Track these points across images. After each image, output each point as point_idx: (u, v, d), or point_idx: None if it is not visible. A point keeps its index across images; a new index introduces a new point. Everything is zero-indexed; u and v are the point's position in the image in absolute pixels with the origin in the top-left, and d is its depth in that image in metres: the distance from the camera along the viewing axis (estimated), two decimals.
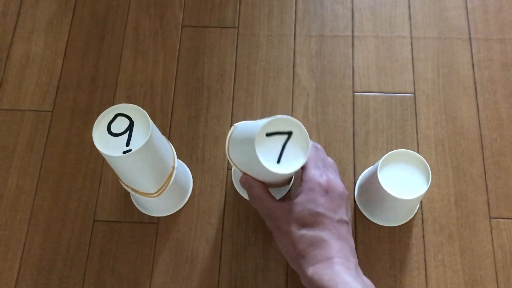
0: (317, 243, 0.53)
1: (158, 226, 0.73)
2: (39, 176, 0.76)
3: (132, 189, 0.64)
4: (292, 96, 0.79)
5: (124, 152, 0.55)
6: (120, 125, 0.57)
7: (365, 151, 0.75)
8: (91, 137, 0.78)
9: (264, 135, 0.54)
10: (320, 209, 0.54)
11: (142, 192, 0.64)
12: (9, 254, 0.72)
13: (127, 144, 0.56)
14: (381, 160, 0.63)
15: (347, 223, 0.56)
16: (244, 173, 0.60)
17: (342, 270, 0.51)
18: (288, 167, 0.53)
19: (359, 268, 0.55)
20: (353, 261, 0.54)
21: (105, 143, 0.56)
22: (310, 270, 0.52)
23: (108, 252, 0.72)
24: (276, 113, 0.78)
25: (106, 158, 0.57)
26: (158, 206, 0.71)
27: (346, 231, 0.56)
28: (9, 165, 0.77)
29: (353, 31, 0.83)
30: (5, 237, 0.73)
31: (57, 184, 0.76)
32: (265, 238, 0.71)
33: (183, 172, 0.73)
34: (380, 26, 0.83)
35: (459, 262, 0.69)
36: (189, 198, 0.74)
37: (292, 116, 0.77)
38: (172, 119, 0.79)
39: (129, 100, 0.80)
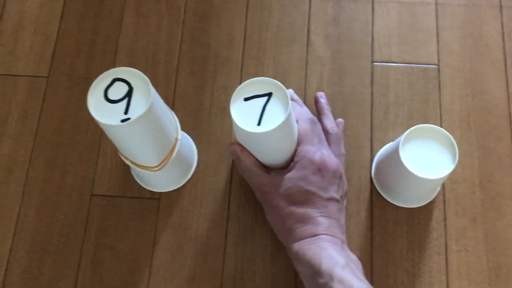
0: (305, 219, 0.55)
1: (160, 202, 0.68)
2: (33, 147, 0.71)
3: (132, 162, 0.59)
4: (306, 65, 0.73)
5: (122, 121, 0.50)
6: (118, 91, 0.52)
7: (384, 126, 0.70)
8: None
9: (242, 100, 0.54)
10: (310, 187, 0.55)
11: (142, 165, 0.58)
12: (0, 230, 0.68)
13: (126, 112, 0.51)
14: (403, 135, 0.58)
15: (337, 200, 0.57)
16: (235, 143, 0.59)
17: (327, 246, 0.52)
18: (268, 126, 0.51)
19: (345, 245, 0.56)
20: (341, 237, 0.55)
21: (102, 111, 0.51)
22: (296, 246, 0.54)
23: (106, 229, 0.67)
24: (288, 84, 0.72)
25: (103, 127, 0.52)
26: (160, 181, 0.66)
27: (336, 209, 0.56)
28: (1, 134, 0.72)
29: None
30: None
31: (52, 155, 0.71)
32: None
33: (187, 144, 0.68)
34: None
35: (482, 248, 0.64)
36: (193, 173, 0.69)
37: (305, 87, 0.72)
38: (176, 88, 0.73)
39: (130, 66, 0.74)
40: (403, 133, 0.59)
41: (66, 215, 0.68)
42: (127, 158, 0.58)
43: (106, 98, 0.52)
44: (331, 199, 0.56)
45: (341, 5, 0.76)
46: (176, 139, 0.60)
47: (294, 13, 0.76)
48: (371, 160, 0.69)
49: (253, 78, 0.55)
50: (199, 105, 0.72)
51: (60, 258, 0.66)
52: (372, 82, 0.72)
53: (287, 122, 0.52)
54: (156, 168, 0.59)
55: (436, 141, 0.58)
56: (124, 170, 0.69)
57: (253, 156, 0.59)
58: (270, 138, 0.54)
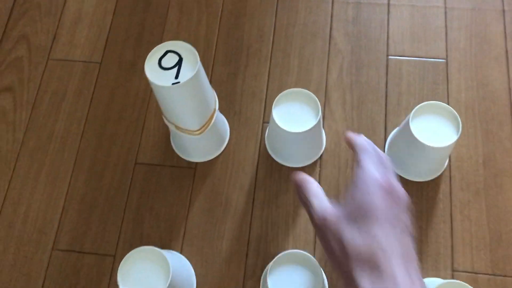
0: (369, 242, 0.39)
1: (196, 171, 0.77)
2: (86, 121, 0.81)
3: (176, 127, 0.68)
4: (328, 58, 0.82)
5: (173, 84, 0.60)
6: (170, 60, 0.62)
7: (396, 112, 0.78)
8: (136, 88, 0.83)
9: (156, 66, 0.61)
10: (379, 214, 0.40)
11: (185, 129, 0.67)
12: (55, 190, 0.77)
13: (176, 77, 0.60)
14: (413, 111, 0.66)
15: (408, 232, 0.42)
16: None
17: None
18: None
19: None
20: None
21: (156, 76, 0.60)
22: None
23: (147, 193, 0.76)
24: (311, 73, 0.81)
25: (156, 90, 0.62)
26: (197, 151, 0.75)
27: (406, 236, 0.41)
28: (59, 110, 0.82)
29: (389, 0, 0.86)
30: (52, 176, 0.78)
31: (102, 129, 0.80)
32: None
33: (221, 121, 0.77)
34: None
35: (484, 218, 0.71)
36: (225, 147, 0.78)
37: (327, 76, 0.81)
38: (212, 74, 0.83)
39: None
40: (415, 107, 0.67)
41: (112, 180, 0.77)
42: (172, 123, 0.68)
43: (160, 66, 0.61)
44: (400, 225, 0.41)
45: (360, 6, 0.85)
46: (215, 109, 0.69)
47: (318, 12, 0.86)
48: (385, 141, 0.77)
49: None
50: (232, 90, 0.81)
51: (106, 217, 0.75)
52: (387, 73, 0.81)
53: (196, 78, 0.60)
54: (197, 132, 0.68)
55: (442, 116, 0.66)
56: (165, 143, 0.79)
57: (317, 185, 0.46)
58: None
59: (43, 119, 0.81)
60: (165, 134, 0.79)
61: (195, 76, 0.60)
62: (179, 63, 0.61)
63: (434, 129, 0.66)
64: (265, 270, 0.66)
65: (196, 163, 0.77)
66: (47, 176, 0.78)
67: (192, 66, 0.61)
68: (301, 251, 0.61)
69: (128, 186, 0.76)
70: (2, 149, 0.80)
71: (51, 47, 0.87)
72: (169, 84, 0.60)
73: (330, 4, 0.86)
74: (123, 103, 0.82)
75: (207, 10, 0.87)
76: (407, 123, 0.66)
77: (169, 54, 0.62)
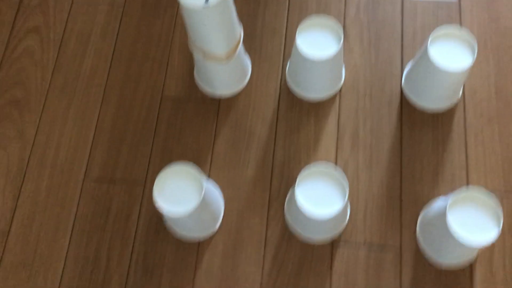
0: None
1: (220, 105, 0.80)
2: (112, 59, 0.84)
3: (204, 54, 0.70)
4: None
5: (204, 6, 0.62)
6: None
7: (412, 46, 0.81)
8: (159, 27, 0.86)
9: None
10: None
11: (213, 55, 0.70)
12: (85, 124, 0.80)
13: (206, 1, 0.63)
14: (431, 35, 0.69)
15: None
16: None
17: None
18: None
19: None
20: None
21: (188, 1, 0.63)
22: None
23: (174, 125, 0.79)
24: (329, 12, 0.84)
25: (186, 15, 0.64)
26: (221, 82, 0.78)
27: None
28: (85, 50, 0.85)
29: None
30: (81, 110, 0.81)
31: (128, 66, 0.83)
32: (316, 119, 0.78)
33: (242, 55, 0.80)
34: None
35: (497, 143, 0.74)
36: (248, 82, 0.81)
37: (344, 14, 0.83)
38: None
39: None
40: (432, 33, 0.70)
41: (140, 114, 0.80)
42: (200, 49, 0.70)
43: None
44: None
45: None
46: (240, 37, 0.72)
47: None
48: (401, 75, 0.80)
49: None
50: (252, 29, 0.84)
51: (135, 148, 0.78)
52: (402, 11, 0.83)
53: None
54: (224, 58, 0.71)
55: (457, 42, 0.69)
56: (189, 79, 0.82)
57: None
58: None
59: (70, 58, 0.84)
60: (189, 70, 0.82)
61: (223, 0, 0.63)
62: None
63: (451, 55, 0.69)
64: (292, 188, 0.70)
65: (220, 97, 0.80)
66: (76, 111, 0.81)
67: None
68: (327, 165, 0.65)
69: (155, 119, 0.80)
70: (31, 87, 0.83)
71: None
72: (200, 6, 0.62)
73: None
74: (148, 42, 0.85)
75: None
76: (425, 50, 0.69)
77: None
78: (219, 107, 0.80)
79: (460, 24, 0.82)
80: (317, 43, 0.71)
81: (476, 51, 0.68)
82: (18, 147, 0.79)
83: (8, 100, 0.82)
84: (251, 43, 0.83)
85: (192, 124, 0.79)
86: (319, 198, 0.64)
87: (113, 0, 0.88)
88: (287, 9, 0.85)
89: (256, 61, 0.82)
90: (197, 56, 0.72)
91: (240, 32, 0.72)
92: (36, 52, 0.85)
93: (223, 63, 0.71)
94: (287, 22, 0.84)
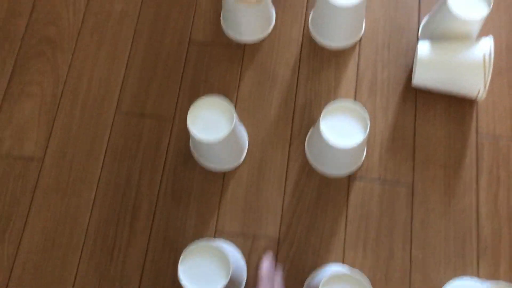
0: None
1: (245, 50, 0.84)
2: (141, 2, 0.87)
3: None
4: None
5: None
6: None
7: (430, 2, 0.85)
8: None
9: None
10: None
11: None
12: (115, 62, 0.84)
13: None
14: None
15: None
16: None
17: None
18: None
19: None
20: None
21: None
22: None
23: (201, 67, 0.83)
24: None
25: None
26: (247, 28, 0.82)
27: None
28: None
29: None
30: (112, 49, 0.85)
31: (156, 10, 0.87)
32: (337, 66, 0.82)
33: (269, 1, 0.84)
34: None
35: (506, 93, 0.80)
36: (272, 29, 0.85)
37: None
38: None
39: None
40: None
41: (169, 55, 0.84)
42: None
43: None
44: None
45: None
46: None
47: None
48: (418, 25, 0.84)
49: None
50: None
51: (164, 85, 0.82)
52: None
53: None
54: (255, 0, 0.75)
55: None
56: (216, 24, 0.85)
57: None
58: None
59: (101, 1, 0.88)
60: (216, 16, 0.86)
61: None
62: None
63: (468, 5, 0.73)
64: (314, 126, 0.74)
65: (245, 44, 0.84)
66: (107, 49, 0.85)
67: None
68: (351, 101, 0.69)
69: (184, 61, 0.84)
70: (64, 26, 0.86)
71: None
72: None
73: None
74: None
75: None
76: (444, 1, 0.73)
77: None
78: (244, 52, 0.84)
79: None
80: None
81: (492, 1, 0.72)
82: (52, 81, 0.83)
83: (41, 38, 0.86)
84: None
85: (218, 67, 0.83)
86: (342, 130, 0.69)
87: None
88: None
89: (280, 9, 0.86)
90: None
91: None
92: None
93: (253, 6, 0.75)
94: None
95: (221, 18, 0.85)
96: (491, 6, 0.72)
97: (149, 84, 0.82)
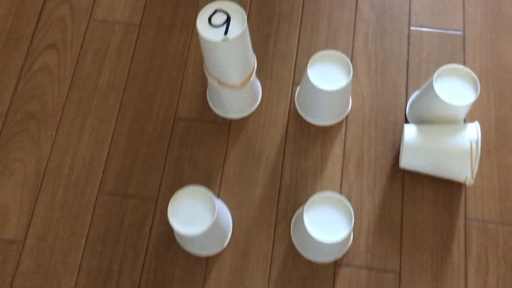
0: None
1: (231, 126, 0.83)
2: (127, 77, 0.87)
3: (219, 82, 0.74)
4: (354, 26, 0.89)
5: (223, 40, 0.66)
6: (219, 18, 0.67)
7: (417, 77, 0.85)
8: (174, 47, 0.89)
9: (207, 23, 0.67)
10: None
11: (228, 84, 0.74)
12: (99, 140, 0.83)
13: (225, 34, 0.66)
14: (436, 72, 0.72)
15: None
16: None
17: None
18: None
19: None
20: None
21: (207, 32, 0.66)
22: None
23: (186, 144, 0.82)
24: (338, 40, 0.88)
25: (205, 46, 0.68)
26: (232, 107, 0.81)
27: None
28: (101, 66, 0.88)
29: None
30: (96, 126, 0.84)
31: (143, 85, 0.86)
32: (323, 143, 0.81)
33: (254, 80, 0.83)
34: None
35: (495, 174, 0.78)
36: (258, 105, 0.84)
37: (353, 43, 0.87)
38: None
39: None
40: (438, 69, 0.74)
41: (154, 131, 0.83)
42: (215, 78, 0.74)
43: (210, 23, 0.67)
44: None
45: None
46: (254, 66, 0.75)
47: None
48: (406, 103, 0.83)
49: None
50: (263, 53, 0.88)
51: (148, 164, 0.81)
52: (408, 42, 0.87)
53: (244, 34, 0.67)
54: (238, 86, 0.74)
55: (462, 79, 0.73)
56: (202, 100, 0.85)
57: None
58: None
59: (87, 74, 0.87)
60: (202, 91, 0.85)
61: (243, 33, 0.66)
62: (227, 21, 0.67)
63: (455, 90, 0.73)
64: (299, 209, 0.73)
65: (231, 119, 0.83)
66: (91, 127, 0.84)
67: (240, 24, 0.67)
68: (334, 192, 0.68)
69: (169, 137, 0.83)
70: (48, 102, 0.86)
71: (92, 8, 0.92)
72: (219, 39, 0.66)
73: None
74: (163, 62, 0.88)
75: None
76: (431, 84, 0.72)
77: (218, 13, 0.68)
78: (230, 129, 0.83)
79: (464, 56, 0.86)
80: (327, 75, 0.75)
81: (479, 89, 0.71)
82: (35, 159, 0.82)
83: (25, 113, 0.85)
84: (262, 66, 0.87)
85: (203, 144, 0.82)
86: (326, 224, 0.68)
87: (130, 19, 0.91)
88: (297, 35, 0.88)
89: (266, 84, 0.86)
90: (212, 82, 0.75)
91: (254, 60, 0.76)
92: (53, 67, 0.88)
93: (237, 90, 0.75)
94: (297, 49, 0.87)
95: (207, 94, 0.85)
96: (478, 91, 0.71)
97: (133, 163, 0.81)
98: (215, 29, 0.67)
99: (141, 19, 0.91)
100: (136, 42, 0.89)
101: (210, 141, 0.82)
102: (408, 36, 0.88)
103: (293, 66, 0.87)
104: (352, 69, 0.73)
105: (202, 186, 0.68)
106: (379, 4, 0.90)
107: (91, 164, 0.81)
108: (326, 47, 0.87)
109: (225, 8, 0.68)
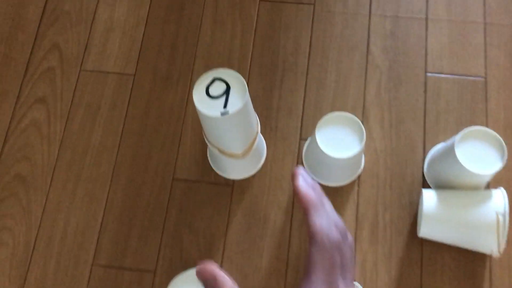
0: None
1: (233, 188, 0.77)
2: (121, 135, 0.81)
3: (220, 150, 0.67)
4: (365, 73, 0.82)
5: (222, 114, 0.59)
6: (218, 88, 0.61)
7: (435, 131, 0.78)
8: (171, 101, 0.83)
9: (204, 94, 0.60)
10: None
11: (229, 153, 0.67)
12: (93, 205, 0.77)
13: (225, 106, 0.60)
14: (458, 136, 0.66)
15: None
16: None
17: None
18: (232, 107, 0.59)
19: None
20: None
21: (204, 105, 0.60)
22: None
23: (185, 209, 0.76)
24: (348, 89, 0.81)
25: (204, 119, 0.61)
26: (235, 169, 0.75)
27: None
28: (93, 123, 0.81)
29: (427, 14, 0.84)
30: (89, 190, 0.78)
31: (138, 143, 0.80)
32: (334, 208, 0.75)
33: (260, 139, 0.76)
34: (454, 11, 0.84)
35: None
36: (263, 164, 0.78)
37: (364, 93, 0.80)
38: (248, 89, 0.82)
39: (207, 68, 0.83)
40: (452, 136, 0.67)
41: (150, 196, 0.77)
42: (215, 146, 0.67)
43: (208, 94, 0.61)
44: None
45: (398, 21, 0.84)
46: (257, 132, 0.69)
47: (355, 25, 0.84)
48: (423, 160, 0.77)
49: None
50: (268, 106, 0.81)
51: (145, 233, 0.75)
52: (425, 90, 0.80)
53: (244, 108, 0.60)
54: (240, 155, 0.68)
55: (486, 142, 0.66)
56: (202, 159, 0.79)
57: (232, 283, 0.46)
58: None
59: (78, 132, 0.81)
60: (202, 149, 0.79)
61: (244, 106, 0.60)
62: (227, 92, 0.61)
63: (478, 155, 0.66)
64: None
65: (234, 180, 0.77)
66: (84, 190, 0.78)
67: (241, 94, 0.60)
68: None
69: (167, 202, 0.77)
70: (37, 162, 0.80)
71: (83, 57, 0.86)
72: (218, 114, 0.59)
73: (367, 17, 0.85)
74: (159, 117, 0.81)
75: (242, 21, 0.86)
76: (452, 148, 0.66)
77: (216, 82, 0.62)
78: (232, 190, 0.77)
79: (486, 105, 0.79)
80: (337, 138, 0.68)
81: (506, 156, 0.64)
82: (25, 228, 0.76)
83: (13, 176, 0.79)
84: (266, 121, 0.80)
85: (204, 208, 0.76)
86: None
87: (123, 69, 0.84)
88: (304, 85, 0.82)
89: (272, 141, 0.79)
90: (212, 149, 0.69)
91: (257, 124, 0.69)
92: (42, 124, 0.82)
93: (239, 158, 0.68)
94: (304, 100, 0.81)
95: (208, 155, 0.78)
96: (505, 157, 0.65)
97: (129, 231, 0.75)
98: (213, 101, 0.61)
99: (135, 70, 0.84)
100: (130, 95, 0.83)
101: (211, 205, 0.76)
102: (425, 83, 0.81)
103: (300, 119, 0.80)
104: (364, 135, 0.67)
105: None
106: (393, 47, 0.83)
107: (84, 234, 0.76)
108: (335, 97, 0.81)
109: (224, 77, 0.62)
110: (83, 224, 0.76)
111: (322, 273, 0.41)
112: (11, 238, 0.76)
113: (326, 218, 0.43)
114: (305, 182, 0.47)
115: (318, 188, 0.48)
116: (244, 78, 0.82)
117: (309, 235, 0.43)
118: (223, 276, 0.46)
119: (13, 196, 0.78)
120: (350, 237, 0.47)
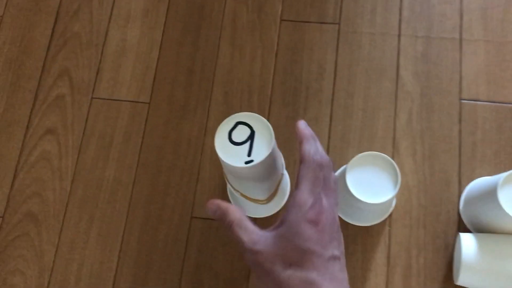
0: (306, 286, 0.44)
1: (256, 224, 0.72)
2: (136, 169, 0.76)
3: (242, 195, 0.63)
4: (396, 100, 0.76)
5: (246, 163, 0.54)
6: (241, 133, 0.56)
7: (471, 164, 0.72)
8: (189, 131, 0.78)
9: (227, 140, 0.55)
10: (308, 245, 0.45)
11: (252, 199, 0.63)
12: (107, 246, 0.73)
13: (249, 154, 0.55)
14: (502, 177, 0.60)
15: (339, 258, 0.48)
16: (216, 200, 0.53)
17: None
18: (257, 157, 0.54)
19: None
20: None
21: (227, 152, 0.55)
22: None
23: (205, 250, 0.72)
24: (378, 118, 0.75)
25: (226, 166, 0.57)
26: (258, 210, 0.71)
27: (338, 269, 0.47)
28: (107, 156, 0.77)
29: (461, 34, 0.78)
30: (104, 229, 0.74)
31: (154, 178, 0.76)
32: (364, 248, 0.70)
33: (285, 177, 0.72)
34: (491, 30, 0.78)
35: None
36: (286, 200, 0.73)
37: (395, 122, 0.75)
38: (270, 118, 0.77)
39: (226, 96, 0.78)
40: (490, 170, 0.62)
41: (168, 235, 0.73)
42: (238, 191, 0.63)
43: (231, 140, 0.56)
44: (332, 258, 0.46)
45: (430, 42, 0.78)
46: (282, 174, 0.64)
47: (384, 47, 0.79)
48: (459, 196, 0.71)
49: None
50: (291, 135, 0.76)
51: (163, 276, 0.71)
52: (460, 119, 0.74)
53: (271, 155, 0.55)
54: (265, 202, 0.63)
55: None
56: (222, 195, 0.74)
57: (241, 211, 0.51)
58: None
59: (91, 166, 0.77)
60: (221, 185, 0.75)
61: (270, 154, 0.55)
62: (251, 137, 0.56)
63: None
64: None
65: (256, 218, 0.73)
66: (98, 229, 0.74)
67: (267, 140, 0.55)
68: None
69: (185, 243, 0.72)
70: (49, 199, 0.76)
71: (94, 84, 0.81)
72: (242, 163, 0.54)
73: (397, 38, 0.79)
74: (176, 149, 0.77)
75: (262, 44, 0.81)
76: (494, 191, 0.60)
77: (239, 126, 0.57)
78: None
79: None
80: (369, 181, 0.63)
81: None
82: (37, 271, 0.73)
83: (24, 214, 0.76)
84: (290, 152, 0.75)
85: (225, 249, 0.72)
86: None
87: (137, 97, 0.80)
88: (329, 114, 0.76)
89: (295, 174, 0.74)
90: (233, 192, 0.64)
91: (282, 168, 0.64)
92: (53, 157, 0.78)
93: (263, 204, 0.64)
94: (329, 129, 0.76)
95: (228, 192, 0.74)
96: None
97: (146, 275, 0.71)
98: (236, 148, 0.56)
99: (150, 97, 0.80)
100: (145, 125, 0.78)
101: (233, 245, 0.72)
102: (460, 112, 0.75)
103: (326, 150, 0.75)
104: (399, 178, 0.62)
105: None
106: (425, 72, 0.77)
107: (99, 277, 0.72)
108: (363, 127, 0.75)
109: (248, 121, 0.57)
110: (98, 266, 0.72)
111: (308, 183, 0.48)
112: (23, 282, 0.73)
113: (314, 148, 0.51)
114: (305, 125, 0.54)
115: (315, 136, 0.54)
116: (265, 106, 0.77)
117: (300, 158, 0.51)
118: (227, 204, 0.52)
119: (24, 235, 0.75)
120: (331, 164, 0.51)
